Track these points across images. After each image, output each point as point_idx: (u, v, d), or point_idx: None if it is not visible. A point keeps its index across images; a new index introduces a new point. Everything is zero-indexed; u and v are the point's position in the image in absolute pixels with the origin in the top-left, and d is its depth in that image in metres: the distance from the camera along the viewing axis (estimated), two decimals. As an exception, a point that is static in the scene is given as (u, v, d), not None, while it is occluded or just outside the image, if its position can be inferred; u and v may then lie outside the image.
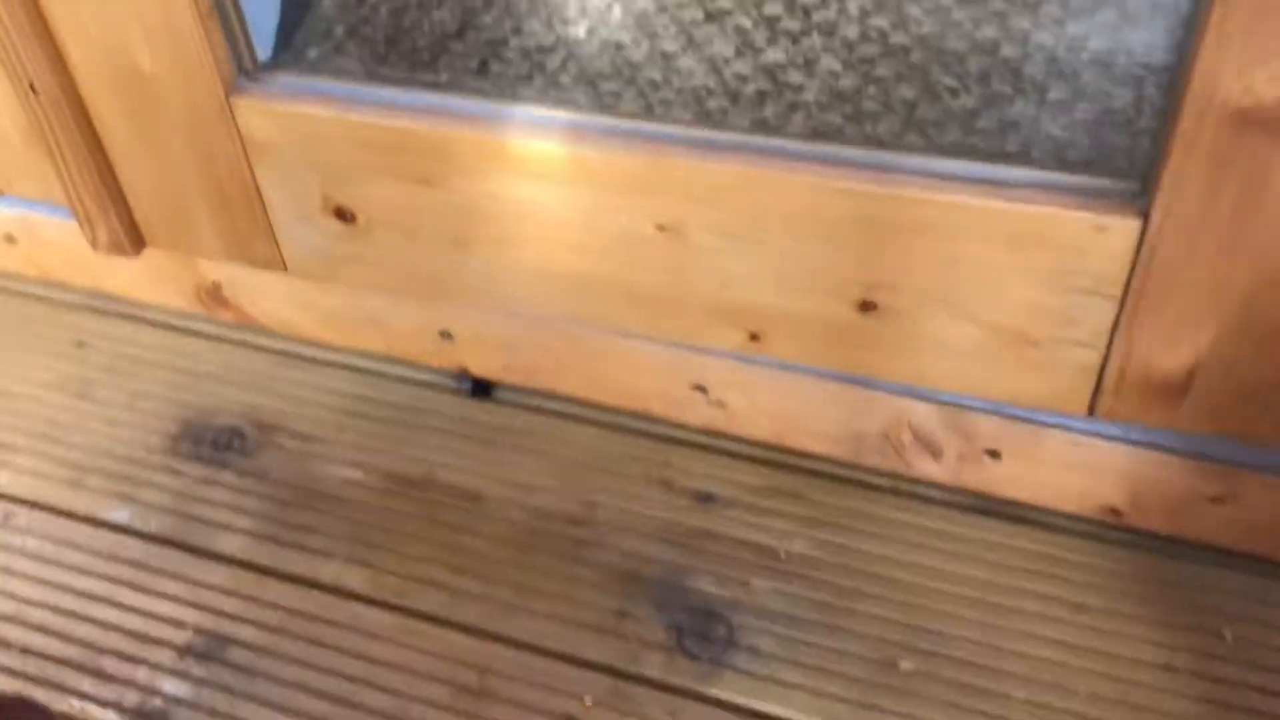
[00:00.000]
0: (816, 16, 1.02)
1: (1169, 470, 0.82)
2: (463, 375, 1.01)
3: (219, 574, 0.89)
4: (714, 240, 0.78)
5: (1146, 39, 0.97)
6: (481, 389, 1.02)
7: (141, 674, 0.83)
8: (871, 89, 0.93)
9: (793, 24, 1.01)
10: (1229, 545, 0.85)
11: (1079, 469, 0.84)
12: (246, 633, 0.85)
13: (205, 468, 0.97)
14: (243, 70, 0.83)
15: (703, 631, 0.83)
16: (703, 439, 0.97)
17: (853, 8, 1.02)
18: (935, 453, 0.88)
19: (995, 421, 0.84)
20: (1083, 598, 0.84)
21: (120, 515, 0.94)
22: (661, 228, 0.78)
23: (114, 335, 1.10)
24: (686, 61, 0.98)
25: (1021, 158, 0.83)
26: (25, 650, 0.85)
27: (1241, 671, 0.79)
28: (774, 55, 0.98)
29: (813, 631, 0.83)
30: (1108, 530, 0.88)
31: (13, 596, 0.88)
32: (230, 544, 0.91)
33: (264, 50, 0.88)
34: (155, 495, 0.95)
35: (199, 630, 0.85)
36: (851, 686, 0.80)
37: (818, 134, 0.90)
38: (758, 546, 0.89)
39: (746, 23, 1.02)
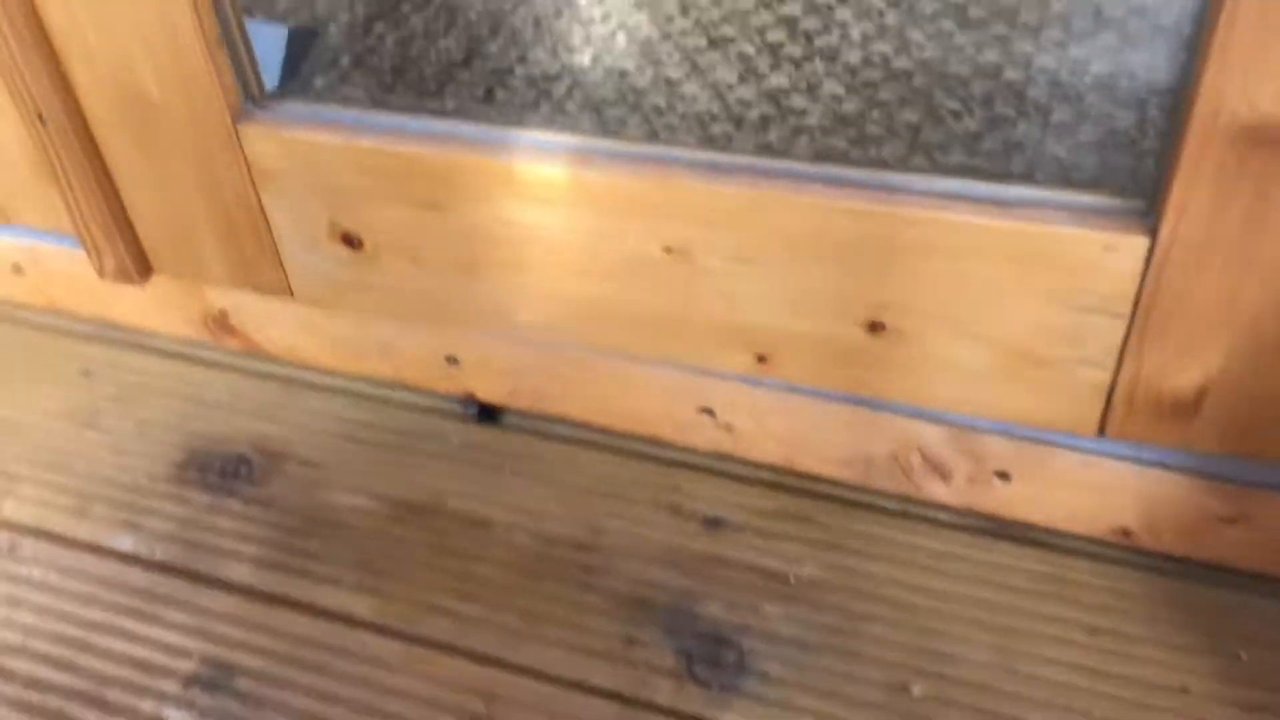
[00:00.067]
0: (819, 42, 1.02)
1: (1181, 490, 0.81)
2: (469, 400, 1.01)
3: (225, 602, 0.88)
4: (721, 262, 0.78)
5: (1148, 61, 0.98)
6: (488, 414, 1.01)
7: (147, 704, 0.82)
8: (875, 113, 0.94)
9: (795, 49, 1.02)
10: (1243, 566, 0.84)
11: (1090, 490, 0.84)
12: (253, 661, 0.84)
13: (211, 495, 0.97)
14: (250, 97, 0.84)
15: (712, 657, 0.83)
16: (711, 463, 0.96)
17: (855, 34, 1.03)
18: (945, 475, 0.88)
19: (1005, 443, 0.84)
20: (1096, 620, 0.83)
21: (125, 544, 0.93)
22: (669, 250, 0.78)
23: (121, 364, 1.10)
24: (691, 87, 0.99)
25: (1027, 178, 0.83)
26: (30, 682, 0.84)
27: (1258, 694, 0.78)
28: (777, 80, 0.98)
29: (823, 656, 0.82)
30: (1120, 552, 0.87)
31: (18, 627, 0.88)
32: (236, 572, 0.91)
33: (270, 81, 0.88)
34: (161, 523, 0.95)
35: (205, 659, 0.85)
36: (863, 712, 0.79)
37: (822, 158, 0.91)
38: (767, 571, 0.88)
39: (749, 49, 1.02)
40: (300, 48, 1.08)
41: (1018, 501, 0.87)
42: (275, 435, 1.01)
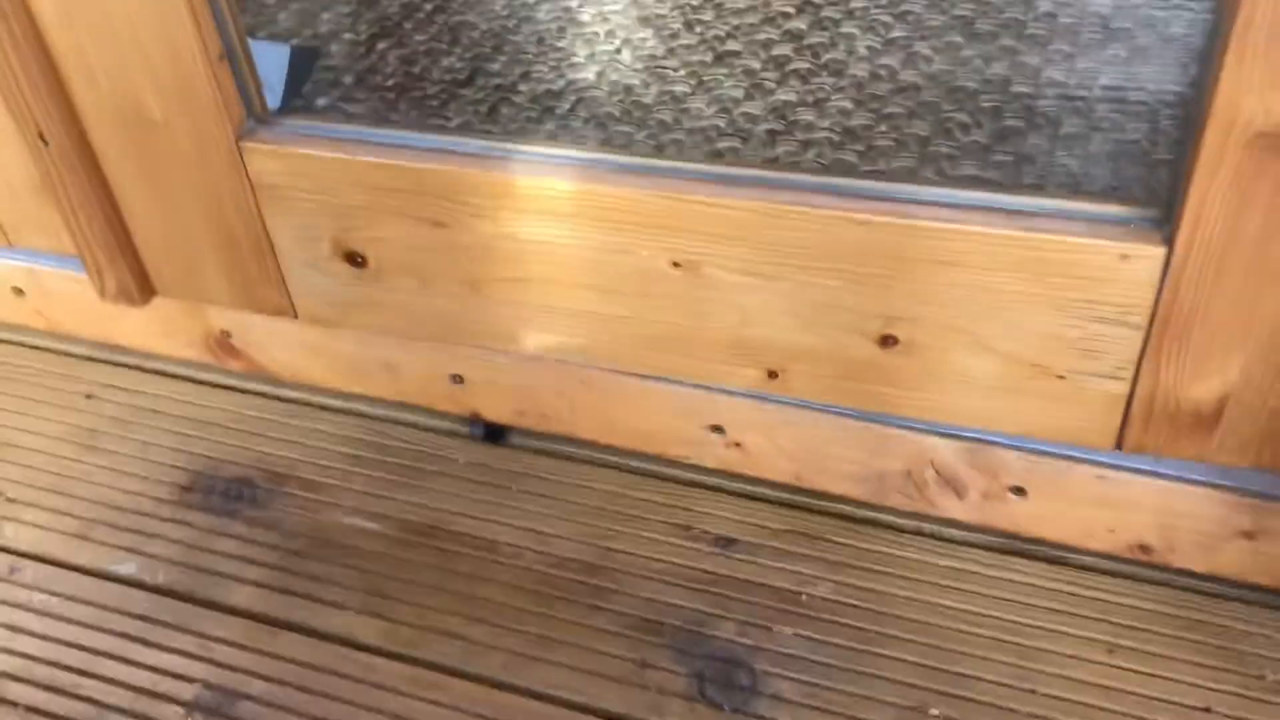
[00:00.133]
0: (826, 56, 1.02)
1: (1201, 505, 0.80)
2: (475, 420, 1.00)
3: (228, 627, 0.87)
4: (731, 277, 0.77)
5: (1157, 72, 0.97)
6: (494, 434, 1.00)
7: (149, 731, 0.81)
8: (883, 126, 0.93)
9: (802, 64, 1.01)
10: (1266, 582, 0.82)
11: (1107, 505, 0.82)
12: (256, 687, 0.83)
13: (214, 518, 0.95)
14: (252, 114, 0.83)
15: (725, 679, 0.81)
16: (721, 481, 0.95)
17: (862, 48, 1.02)
18: (959, 491, 0.86)
19: (1020, 458, 0.82)
20: (1116, 638, 0.82)
21: (127, 568, 0.92)
22: (677, 265, 0.77)
23: (123, 386, 1.09)
24: (697, 103, 0.98)
25: (1038, 190, 0.83)
26: (31, 709, 0.83)
27: (1284, 713, 0.77)
28: (784, 95, 0.98)
29: (838, 678, 0.81)
30: (1139, 568, 0.85)
31: (19, 654, 0.86)
32: (240, 596, 0.89)
33: (273, 101, 0.88)
34: (163, 547, 0.93)
35: (208, 685, 0.83)
36: (880, 734, 0.78)
37: (831, 172, 0.90)
38: (780, 591, 0.87)
39: (755, 64, 1.02)
40: (303, 67, 1.08)
41: (1034, 518, 0.86)
42: (279, 457, 1.00)
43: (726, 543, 0.90)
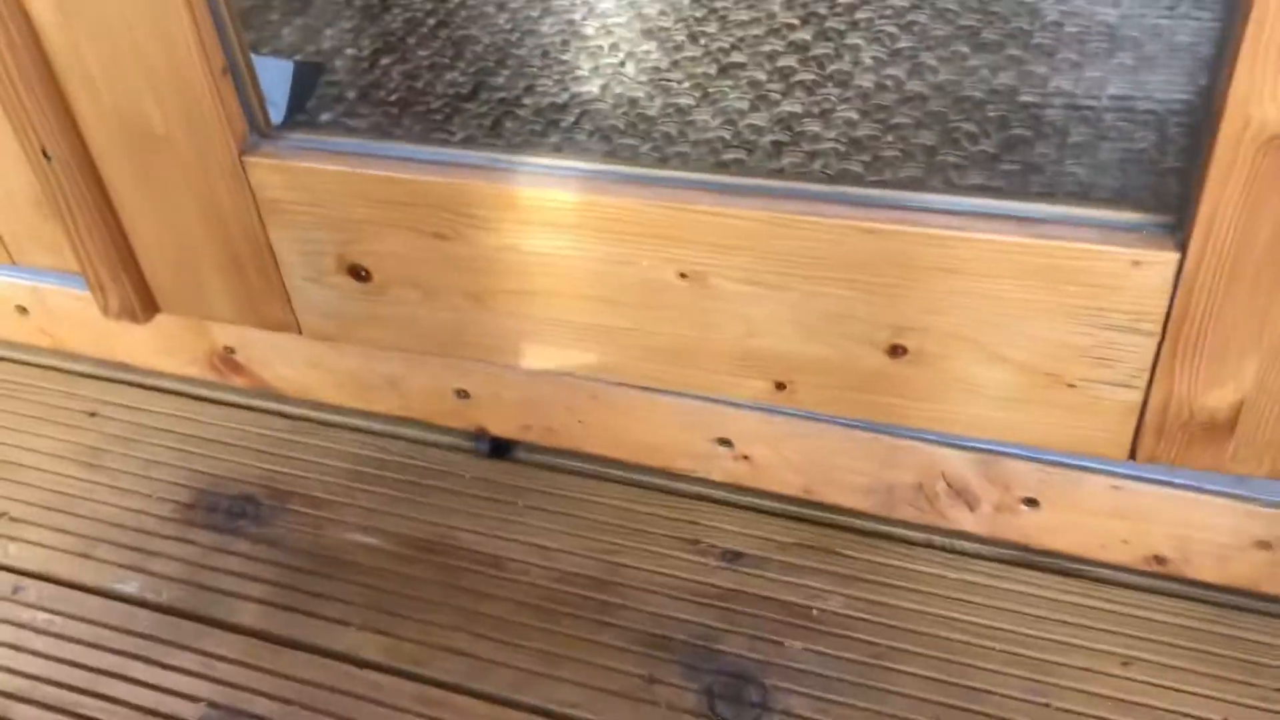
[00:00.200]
0: (831, 67, 1.01)
1: (1216, 515, 0.79)
2: (480, 435, 0.99)
3: (232, 645, 0.86)
4: (738, 287, 0.76)
5: (1165, 80, 0.97)
6: (500, 449, 0.99)
7: (152, 751, 0.80)
8: (890, 136, 0.93)
9: (807, 75, 1.01)
10: (1282, 593, 0.81)
11: (1121, 516, 0.81)
12: (261, 705, 0.82)
13: (218, 536, 0.95)
14: (255, 128, 0.83)
15: (735, 695, 0.80)
16: (729, 495, 0.94)
17: (867, 58, 1.02)
18: (971, 503, 0.85)
19: (1032, 469, 0.81)
20: (1131, 651, 0.80)
21: (131, 586, 0.91)
22: (683, 276, 0.77)
23: (126, 404, 1.08)
24: (702, 115, 0.97)
25: (1049, 197, 0.82)
26: (32, 729, 0.82)
27: (1304, 726, 0.76)
28: (790, 106, 0.97)
29: (850, 693, 0.80)
30: (1153, 580, 0.84)
31: (22, 673, 0.86)
32: (244, 614, 0.88)
33: (276, 116, 0.88)
34: (166, 565, 0.93)
35: (212, 704, 0.82)
36: (893, 750, 0.76)
37: (837, 183, 0.89)
38: (789, 605, 0.86)
39: (761, 75, 1.01)
40: (306, 83, 1.08)
41: (1047, 529, 0.84)
42: (282, 474, 1.00)
43: (734, 557, 0.89)
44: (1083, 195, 0.83)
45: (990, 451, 0.82)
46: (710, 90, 1.01)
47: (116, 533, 0.96)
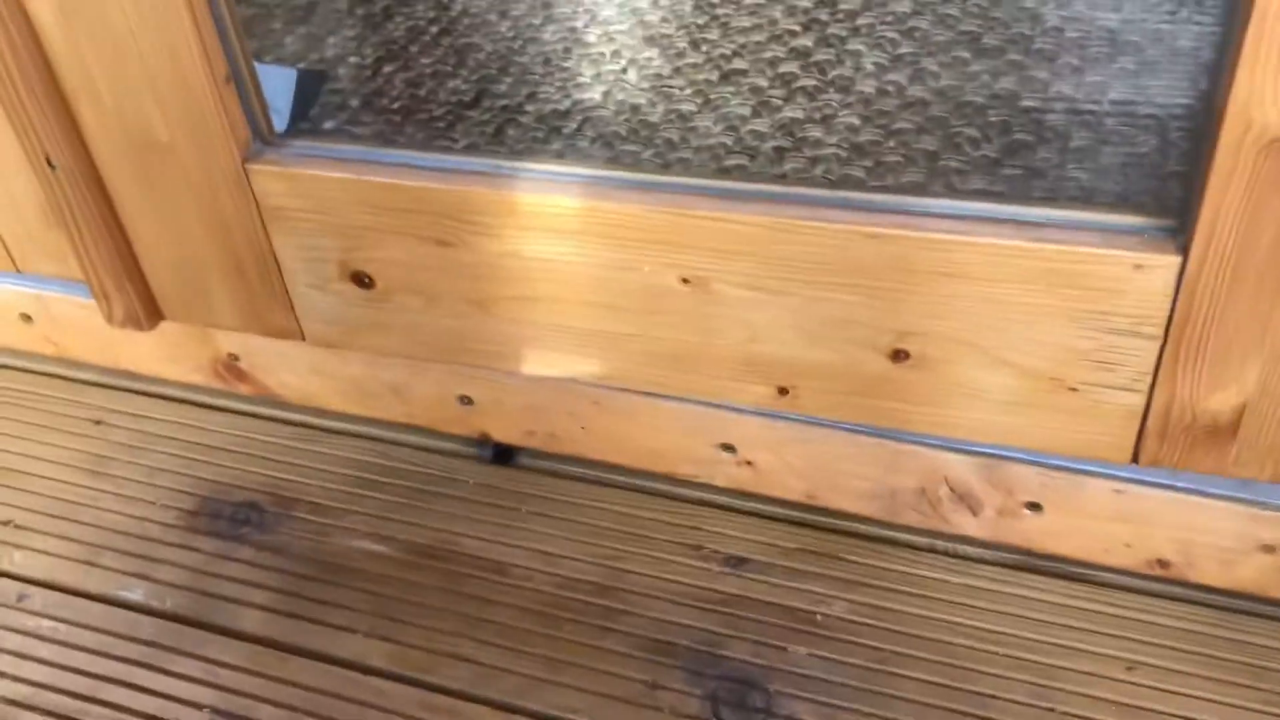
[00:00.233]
0: (833, 73, 1.01)
1: (1219, 519, 0.79)
2: (484, 441, 0.99)
3: (236, 652, 0.86)
4: (740, 292, 0.76)
5: (1166, 84, 0.97)
6: (503, 455, 1.00)
7: (157, 758, 0.80)
8: (892, 142, 0.93)
9: (809, 81, 1.01)
10: (1286, 597, 0.81)
11: (1124, 520, 0.81)
12: (265, 712, 0.82)
13: (222, 543, 0.95)
14: (259, 136, 0.83)
15: (739, 701, 0.80)
16: (732, 501, 0.94)
17: (869, 64, 1.02)
18: (974, 507, 0.85)
19: (1035, 473, 0.81)
20: (1136, 656, 0.80)
21: (135, 594, 0.91)
22: (686, 281, 0.77)
23: (131, 411, 1.09)
24: (704, 121, 0.98)
25: (1051, 201, 0.82)
26: (37, 736, 0.82)
27: (1309, 730, 0.76)
28: (792, 112, 0.97)
29: (854, 698, 0.80)
30: (1157, 584, 0.84)
31: (27, 681, 0.86)
32: (248, 621, 0.88)
33: (279, 124, 0.88)
34: (171, 573, 0.93)
35: (216, 710, 0.82)
36: (897, 755, 0.76)
37: (839, 188, 0.89)
38: (793, 611, 0.85)
39: (763, 81, 1.02)
40: (310, 91, 1.08)
41: (1050, 534, 0.84)
42: (286, 480, 1.00)
43: (738, 562, 0.89)
44: (1084, 199, 0.82)
45: (993, 456, 0.82)
46: (712, 96, 1.01)
47: (121, 540, 0.96)
